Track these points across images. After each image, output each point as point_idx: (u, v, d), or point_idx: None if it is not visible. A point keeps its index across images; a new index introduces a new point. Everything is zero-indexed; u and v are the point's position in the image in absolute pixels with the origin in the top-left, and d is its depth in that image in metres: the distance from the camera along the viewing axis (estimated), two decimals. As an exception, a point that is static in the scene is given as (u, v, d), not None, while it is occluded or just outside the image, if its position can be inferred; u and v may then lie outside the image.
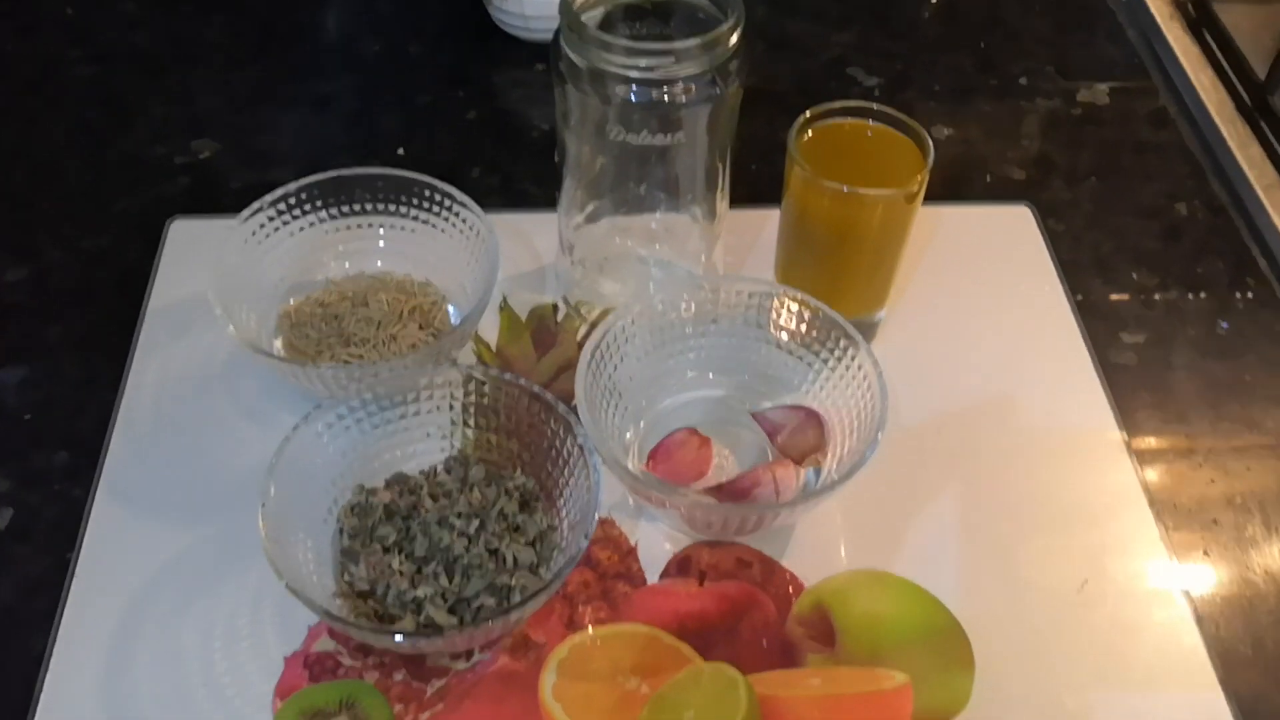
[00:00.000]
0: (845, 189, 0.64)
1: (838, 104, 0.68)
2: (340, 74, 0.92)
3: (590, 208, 0.71)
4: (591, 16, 0.63)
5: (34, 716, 0.57)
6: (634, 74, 0.61)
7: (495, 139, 0.87)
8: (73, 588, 0.62)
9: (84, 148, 0.86)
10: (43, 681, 0.58)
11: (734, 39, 0.61)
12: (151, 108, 0.89)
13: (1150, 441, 0.70)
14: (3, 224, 0.80)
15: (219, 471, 0.67)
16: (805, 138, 0.67)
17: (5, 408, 0.70)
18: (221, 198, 0.82)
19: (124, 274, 0.77)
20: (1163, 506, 0.67)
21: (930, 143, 0.66)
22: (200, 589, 0.62)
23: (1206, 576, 0.65)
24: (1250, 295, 0.79)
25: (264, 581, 0.61)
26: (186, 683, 0.59)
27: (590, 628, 0.61)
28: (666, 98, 0.61)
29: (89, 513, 0.65)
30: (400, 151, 0.86)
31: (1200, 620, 0.62)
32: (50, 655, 0.59)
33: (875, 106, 0.67)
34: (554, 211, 0.75)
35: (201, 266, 0.73)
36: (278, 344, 0.70)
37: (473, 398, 0.64)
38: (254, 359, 0.66)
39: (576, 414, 0.61)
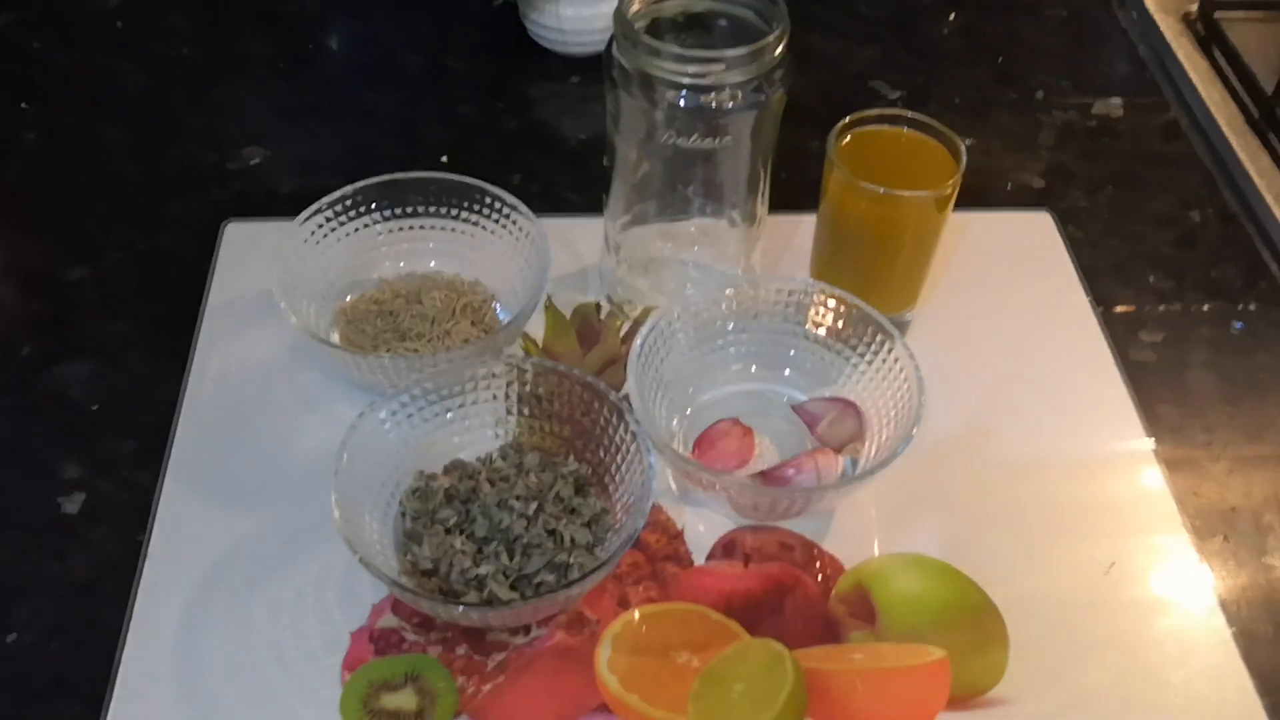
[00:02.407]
0: (882, 191, 0.67)
1: (874, 111, 0.71)
2: (383, 86, 0.95)
3: (636, 209, 0.74)
4: (641, 24, 0.67)
5: (114, 689, 0.60)
6: (684, 80, 0.64)
7: (534, 148, 0.90)
8: (145, 568, 0.65)
9: (138, 155, 0.89)
10: (120, 656, 0.61)
11: (779, 48, 0.64)
12: (201, 117, 0.92)
13: (1170, 435, 0.73)
14: (64, 226, 0.83)
15: (281, 459, 0.69)
16: (843, 142, 0.71)
17: (74, 399, 0.73)
18: (272, 202, 0.85)
19: (182, 274, 0.80)
20: (1183, 494, 0.70)
21: (963, 149, 0.69)
22: (267, 569, 0.65)
23: (1227, 559, 0.68)
24: (1261, 297, 0.82)
25: (328, 562, 0.65)
26: (257, 656, 0.61)
27: (641, 606, 0.63)
28: (714, 103, 0.65)
29: (158, 497, 0.68)
30: (444, 160, 0.89)
31: (1223, 601, 0.65)
32: (127, 631, 0.62)
33: (910, 114, 0.71)
34: (593, 216, 0.78)
35: (257, 267, 0.77)
36: (335, 338, 0.74)
37: (528, 387, 0.67)
38: (316, 349, 0.69)
39: (626, 400, 0.64)
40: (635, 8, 0.66)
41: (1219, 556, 0.68)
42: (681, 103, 0.65)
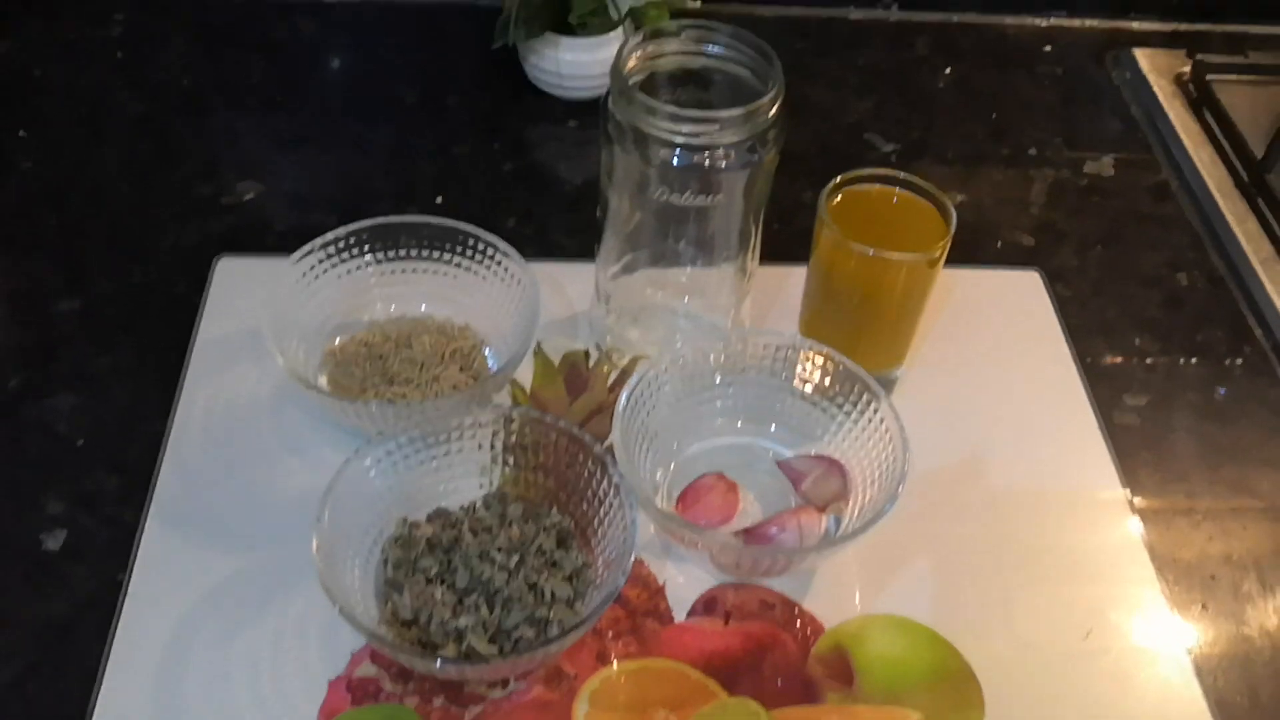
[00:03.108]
0: (872, 252, 0.68)
1: (865, 171, 0.72)
2: (380, 122, 0.96)
3: (627, 259, 0.74)
4: (636, 79, 0.67)
5: (88, 730, 0.60)
6: (678, 139, 0.64)
7: (529, 190, 0.91)
8: (125, 607, 0.64)
9: (134, 185, 0.89)
10: (96, 696, 0.61)
11: (773, 110, 0.65)
12: (198, 148, 0.92)
13: (1151, 499, 0.74)
14: (56, 256, 0.83)
15: (265, 501, 0.69)
16: (834, 201, 0.71)
17: (58, 433, 0.73)
18: (266, 238, 0.85)
19: (172, 308, 0.80)
20: (1163, 561, 0.71)
21: (953, 211, 0.70)
22: (247, 612, 0.65)
23: (1205, 629, 0.68)
24: (1246, 362, 0.83)
25: (308, 607, 0.65)
26: (234, 702, 0.61)
27: (620, 661, 0.63)
28: (707, 162, 0.65)
29: (140, 536, 0.67)
30: (438, 200, 0.89)
31: (1199, 671, 0.66)
32: (104, 671, 0.62)
33: (901, 175, 0.71)
34: (586, 261, 0.79)
35: (248, 303, 0.77)
36: (323, 380, 0.74)
37: (513, 436, 0.67)
38: (304, 393, 0.69)
39: (610, 453, 0.64)
40: (631, 64, 0.66)
41: (1197, 624, 0.68)
42: (675, 160, 0.65)
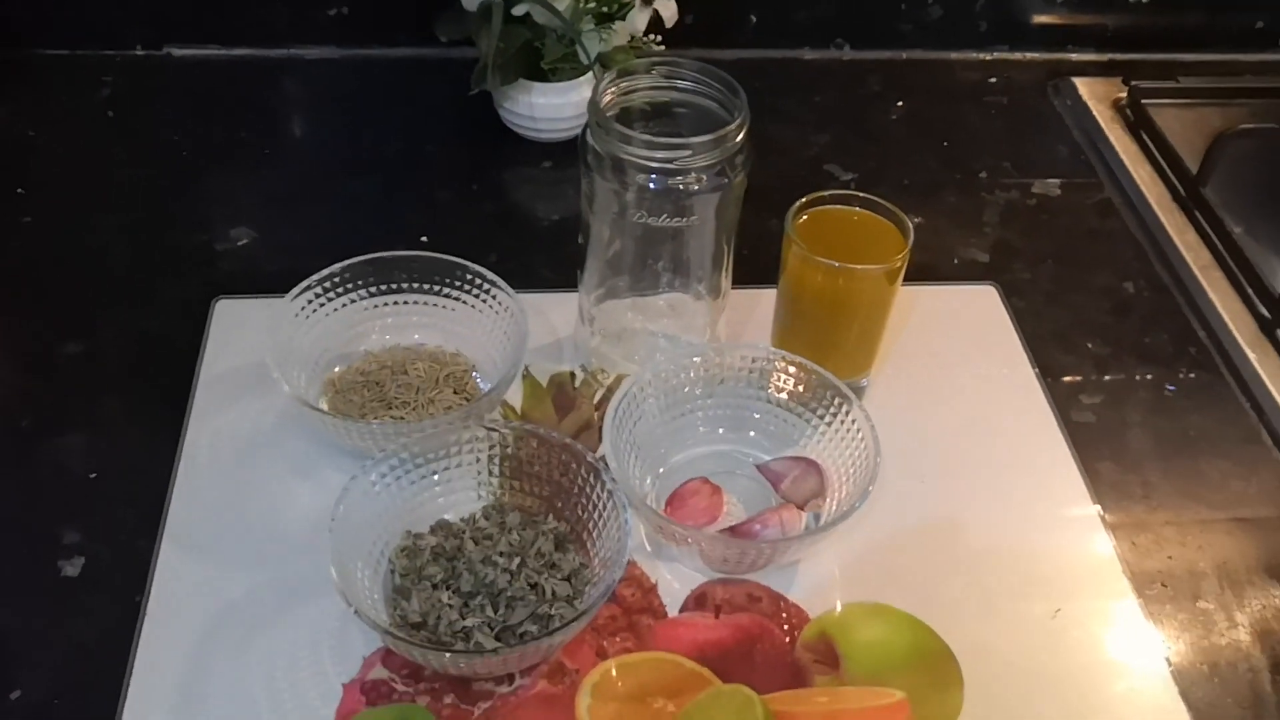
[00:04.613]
0: (837, 265, 0.73)
1: (828, 192, 0.77)
2: (364, 171, 1.00)
3: (609, 284, 0.79)
4: (612, 113, 0.72)
5: (115, 741, 0.63)
6: (653, 164, 0.70)
7: (510, 229, 0.96)
8: (144, 628, 0.67)
9: (129, 237, 0.93)
10: (121, 712, 0.64)
11: (740, 136, 0.70)
12: (191, 201, 0.97)
13: (1109, 489, 0.79)
14: (60, 305, 0.87)
15: (273, 523, 0.73)
16: (800, 221, 0.76)
17: (71, 469, 0.76)
18: (259, 281, 0.89)
19: (174, 349, 0.83)
20: (1122, 544, 0.75)
21: (910, 226, 0.75)
22: (261, 626, 0.68)
23: (1164, 604, 0.73)
24: (1191, 361, 0.88)
25: (319, 618, 0.68)
26: (254, 709, 0.64)
27: (618, 656, 0.67)
28: (681, 186, 0.70)
29: (155, 560, 0.71)
30: (423, 240, 0.93)
31: (1161, 641, 0.70)
32: (127, 688, 0.65)
33: (861, 194, 0.77)
34: (566, 291, 0.83)
35: (246, 342, 0.81)
36: (324, 407, 0.77)
37: (509, 449, 0.71)
38: (308, 416, 0.73)
39: (603, 461, 0.68)
40: (608, 99, 0.71)
41: (1156, 601, 0.73)
42: (651, 185, 0.70)
